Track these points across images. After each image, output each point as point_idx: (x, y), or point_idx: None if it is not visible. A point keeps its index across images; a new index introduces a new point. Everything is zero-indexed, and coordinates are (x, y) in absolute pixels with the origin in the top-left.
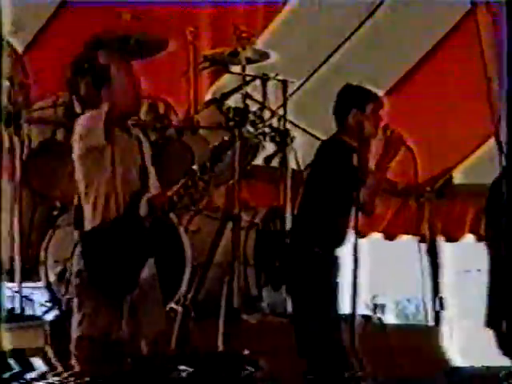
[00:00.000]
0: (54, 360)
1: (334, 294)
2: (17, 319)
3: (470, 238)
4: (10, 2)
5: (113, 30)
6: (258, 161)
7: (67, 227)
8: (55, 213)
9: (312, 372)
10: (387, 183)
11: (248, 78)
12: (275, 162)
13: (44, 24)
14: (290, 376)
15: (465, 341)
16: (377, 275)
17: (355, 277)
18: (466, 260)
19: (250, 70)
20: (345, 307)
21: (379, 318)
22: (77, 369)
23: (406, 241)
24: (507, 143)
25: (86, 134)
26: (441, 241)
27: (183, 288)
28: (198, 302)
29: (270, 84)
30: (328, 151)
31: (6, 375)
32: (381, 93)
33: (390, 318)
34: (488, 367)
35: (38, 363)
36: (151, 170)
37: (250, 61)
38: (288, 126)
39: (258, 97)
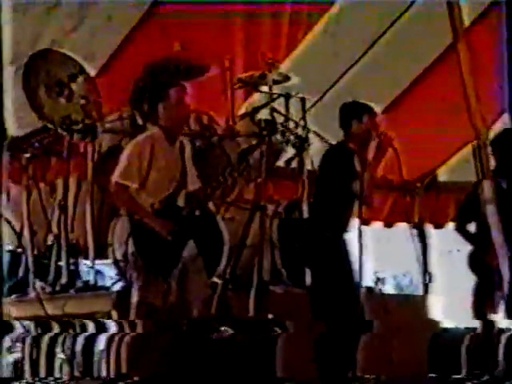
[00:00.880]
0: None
1: (343, 270)
2: (91, 289)
3: (451, 224)
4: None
5: (167, 58)
6: (280, 163)
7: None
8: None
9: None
10: (385, 181)
11: (274, 96)
12: (294, 164)
13: (111, 54)
14: (308, 334)
15: (448, 307)
16: (379, 255)
17: (361, 256)
18: (449, 242)
19: (276, 89)
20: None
21: (380, 289)
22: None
23: (402, 228)
24: None
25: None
26: (429, 227)
27: (222, 265)
28: (234, 276)
29: (292, 101)
30: (334, 154)
31: None
32: (378, 106)
33: (388, 289)
34: (469, 328)
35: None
36: (191, 170)
37: (275, 82)
38: (309, 134)
39: (283, 111)
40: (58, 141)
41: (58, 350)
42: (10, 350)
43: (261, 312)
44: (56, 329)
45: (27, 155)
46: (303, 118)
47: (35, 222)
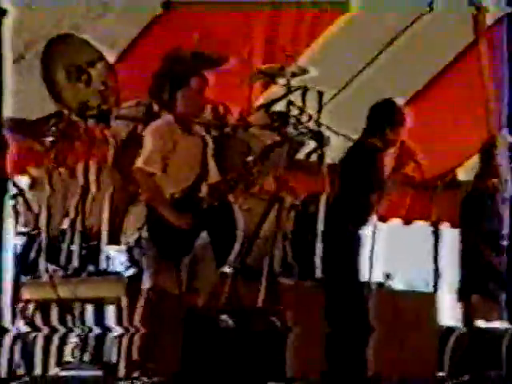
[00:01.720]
0: (125, 307)
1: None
2: (102, 274)
3: None
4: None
5: (185, 48)
6: (301, 156)
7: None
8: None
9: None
10: (406, 178)
11: (292, 89)
12: (314, 157)
13: (131, 42)
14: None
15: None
16: (395, 252)
17: (372, 251)
18: None
19: (294, 82)
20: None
21: (390, 285)
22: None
23: (420, 225)
24: None
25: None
26: (446, 226)
27: (234, 254)
28: (246, 267)
29: (311, 95)
30: (361, 150)
31: None
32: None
33: (400, 286)
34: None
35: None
36: (211, 162)
37: (293, 75)
38: (324, 128)
39: (300, 104)
40: (72, 125)
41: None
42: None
43: (270, 303)
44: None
45: (50, 139)
46: (319, 111)
47: (53, 205)
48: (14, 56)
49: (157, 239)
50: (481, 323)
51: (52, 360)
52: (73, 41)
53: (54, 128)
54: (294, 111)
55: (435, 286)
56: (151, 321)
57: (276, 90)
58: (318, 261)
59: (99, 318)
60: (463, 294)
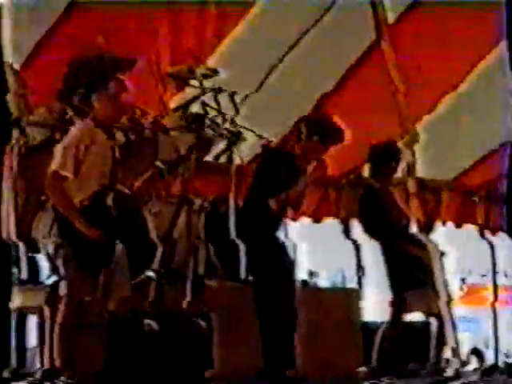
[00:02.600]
0: (47, 317)
1: (280, 266)
2: (24, 283)
3: None
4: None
5: (90, 51)
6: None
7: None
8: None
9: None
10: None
11: (205, 90)
12: (223, 159)
13: (35, 46)
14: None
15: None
16: (309, 250)
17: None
18: None
19: (206, 84)
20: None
21: (314, 283)
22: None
23: (329, 223)
24: None
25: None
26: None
27: (157, 258)
28: (170, 270)
29: (223, 96)
30: (276, 156)
31: None
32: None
33: (322, 283)
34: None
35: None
36: (121, 167)
37: (204, 76)
38: (240, 129)
39: (214, 105)
40: None
41: None
42: None
43: (196, 306)
44: None
45: None
46: (236, 112)
47: None
48: None
49: (75, 250)
50: (410, 316)
51: None
52: None
53: None
54: (211, 113)
55: (359, 282)
56: (70, 329)
57: (189, 91)
58: (242, 262)
59: (21, 327)
60: (395, 291)
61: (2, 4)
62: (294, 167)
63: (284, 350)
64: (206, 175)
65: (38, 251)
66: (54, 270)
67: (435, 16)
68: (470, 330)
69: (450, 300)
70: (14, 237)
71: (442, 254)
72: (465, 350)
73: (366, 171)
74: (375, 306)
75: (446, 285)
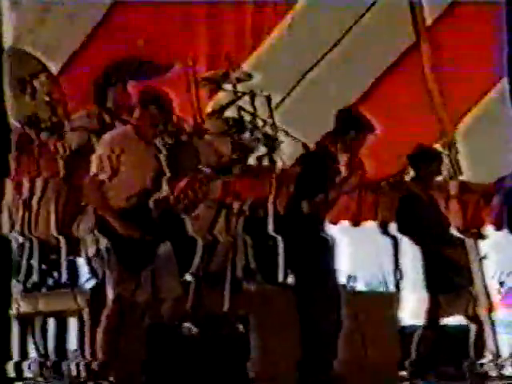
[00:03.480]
0: (87, 319)
1: (323, 268)
2: (63, 287)
3: None
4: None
5: (128, 56)
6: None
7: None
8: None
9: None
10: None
11: (239, 94)
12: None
13: (73, 52)
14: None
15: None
16: (348, 253)
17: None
18: None
19: (239, 88)
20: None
21: (352, 287)
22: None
23: (369, 226)
24: None
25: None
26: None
27: (196, 262)
28: (208, 274)
29: (258, 100)
30: (317, 156)
31: None
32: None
33: (360, 286)
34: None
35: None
36: (166, 173)
37: (238, 80)
38: (279, 132)
39: (249, 109)
40: (26, 138)
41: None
42: None
43: (234, 309)
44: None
45: None
46: (271, 116)
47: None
48: None
49: (117, 250)
50: (446, 320)
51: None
52: (14, 54)
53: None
54: (247, 117)
55: (397, 285)
56: (114, 331)
57: (222, 96)
58: (280, 265)
59: (61, 331)
60: (430, 294)
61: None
62: (330, 169)
63: (324, 355)
64: (248, 179)
65: (78, 254)
66: (94, 272)
67: (474, 16)
68: (510, 333)
69: (489, 303)
70: (54, 239)
71: (482, 257)
72: (505, 353)
73: (408, 174)
74: (413, 309)
75: (485, 288)
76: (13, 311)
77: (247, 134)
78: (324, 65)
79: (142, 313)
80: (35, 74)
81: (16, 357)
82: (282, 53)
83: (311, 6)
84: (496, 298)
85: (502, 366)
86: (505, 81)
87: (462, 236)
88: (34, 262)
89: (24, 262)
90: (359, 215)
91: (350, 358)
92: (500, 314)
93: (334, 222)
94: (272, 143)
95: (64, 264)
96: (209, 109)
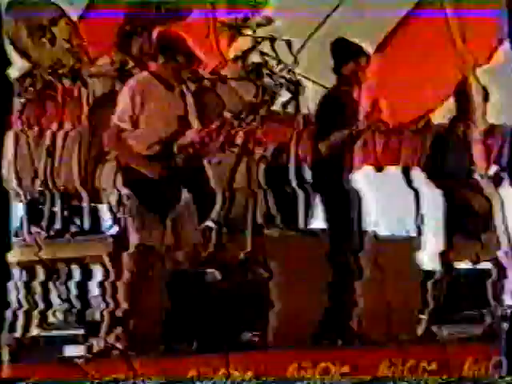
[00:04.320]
0: (110, 266)
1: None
2: (85, 234)
3: None
4: None
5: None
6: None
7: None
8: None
9: None
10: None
11: (259, 40)
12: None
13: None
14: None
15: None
16: (371, 199)
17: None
18: None
19: (260, 33)
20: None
21: (374, 231)
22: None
23: (392, 171)
24: None
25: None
26: (417, 170)
27: (216, 208)
28: (229, 219)
29: (279, 44)
30: (331, 99)
31: None
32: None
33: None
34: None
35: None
36: (192, 118)
37: (259, 25)
38: (299, 77)
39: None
40: (50, 85)
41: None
42: None
43: (254, 255)
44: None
45: (22, 100)
46: (295, 60)
47: (24, 168)
48: None
49: (137, 195)
50: (462, 265)
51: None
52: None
53: (31, 88)
54: (270, 61)
55: (418, 230)
56: (136, 277)
57: (242, 41)
58: (300, 211)
59: (84, 277)
60: (446, 236)
61: None
62: (345, 108)
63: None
64: (272, 125)
65: (100, 201)
66: (116, 220)
67: None
68: None
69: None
70: (78, 186)
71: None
72: None
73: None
74: (434, 254)
75: (507, 232)
76: (36, 258)
77: (268, 79)
78: (342, 9)
79: (163, 259)
80: (54, 20)
81: (41, 305)
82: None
83: None
84: None
85: None
86: None
87: (483, 181)
88: (57, 209)
89: (46, 209)
90: (382, 160)
91: (371, 301)
92: None
93: (358, 168)
94: (295, 88)
95: (86, 211)
96: (231, 54)
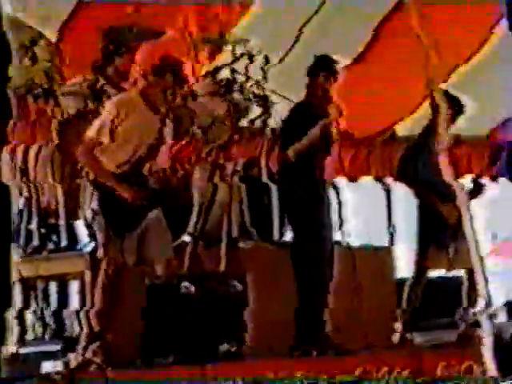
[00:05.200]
0: (88, 282)
1: (318, 225)
2: (63, 251)
3: None
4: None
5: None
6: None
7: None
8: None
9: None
10: (346, 136)
11: (237, 56)
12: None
13: (65, 19)
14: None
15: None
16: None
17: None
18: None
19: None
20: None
21: (347, 242)
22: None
23: (365, 182)
24: None
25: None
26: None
27: (192, 222)
28: (205, 234)
29: (257, 60)
30: (299, 112)
31: None
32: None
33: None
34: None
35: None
36: (168, 138)
37: (237, 41)
38: (268, 92)
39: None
40: (22, 104)
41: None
42: None
43: (231, 268)
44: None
45: None
46: (264, 76)
47: None
48: None
49: (105, 212)
50: (433, 273)
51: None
52: (11, 21)
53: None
54: (241, 78)
55: (391, 239)
56: (109, 292)
57: (222, 57)
58: (275, 223)
59: (63, 294)
60: (418, 247)
61: None
62: (311, 116)
63: (318, 311)
64: (241, 140)
65: (77, 218)
66: (92, 236)
67: None
68: (503, 283)
69: (480, 254)
70: (61, 205)
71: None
72: (497, 303)
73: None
74: (407, 263)
75: (476, 240)
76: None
77: (237, 95)
78: (314, 23)
79: (138, 274)
80: (34, 41)
81: (16, 321)
82: (270, 19)
83: None
84: (488, 248)
85: (494, 315)
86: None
87: (454, 190)
88: (33, 227)
89: (23, 227)
90: (352, 171)
91: (345, 311)
92: (492, 263)
93: (330, 178)
94: (265, 104)
95: (63, 228)
96: (203, 71)
